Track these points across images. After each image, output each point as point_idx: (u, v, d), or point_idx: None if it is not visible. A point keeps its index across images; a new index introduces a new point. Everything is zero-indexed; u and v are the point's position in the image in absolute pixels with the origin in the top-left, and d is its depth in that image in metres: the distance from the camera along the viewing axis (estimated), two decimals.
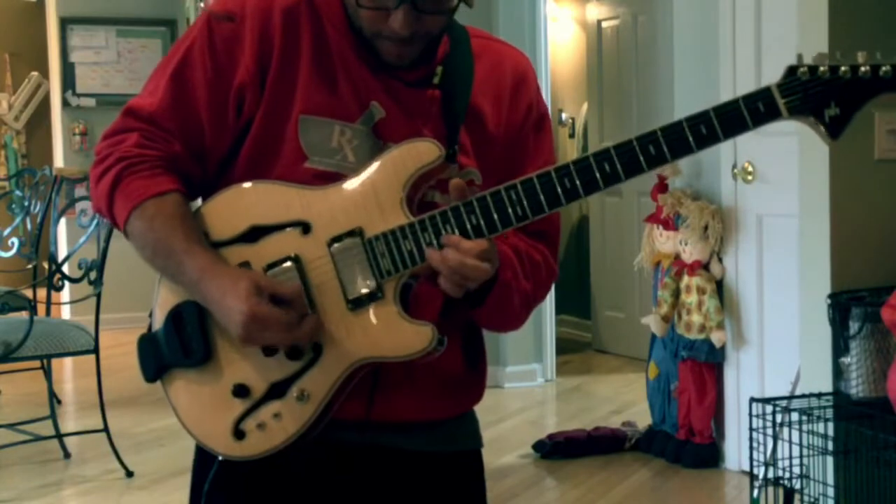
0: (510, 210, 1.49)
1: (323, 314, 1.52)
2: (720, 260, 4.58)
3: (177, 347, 1.56)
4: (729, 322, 4.56)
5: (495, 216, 1.50)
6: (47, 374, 5.11)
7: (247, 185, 1.56)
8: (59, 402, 5.69)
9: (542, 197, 1.49)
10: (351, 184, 1.54)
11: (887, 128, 3.58)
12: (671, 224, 4.67)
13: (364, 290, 1.51)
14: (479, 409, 1.79)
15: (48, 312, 5.19)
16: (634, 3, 6.89)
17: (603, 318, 7.34)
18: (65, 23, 8.26)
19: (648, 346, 4.95)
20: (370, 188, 1.52)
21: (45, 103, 9.47)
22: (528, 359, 6.18)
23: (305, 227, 1.53)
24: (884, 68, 1.46)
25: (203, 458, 1.65)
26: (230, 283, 1.49)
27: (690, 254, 4.59)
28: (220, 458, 1.60)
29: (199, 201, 1.63)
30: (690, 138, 1.47)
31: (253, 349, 1.54)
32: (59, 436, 4.88)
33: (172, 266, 1.55)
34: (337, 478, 1.64)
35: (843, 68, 1.45)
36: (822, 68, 1.45)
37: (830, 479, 3.45)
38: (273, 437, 1.54)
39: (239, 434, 1.55)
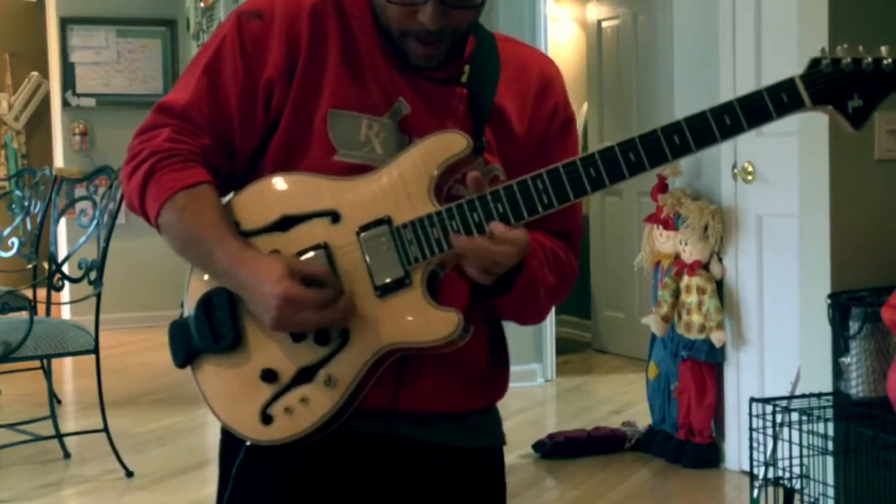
0: (536, 198, 1.52)
1: (351, 301, 1.55)
2: (720, 260, 4.58)
3: (207, 333, 1.60)
4: (729, 322, 4.56)
5: (521, 204, 1.52)
6: (47, 374, 5.12)
7: (277, 176, 1.60)
8: (59, 402, 5.69)
9: (567, 186, 1.52)
10: (380, 174, 1.57)
11: (887, 128, 3.58)
12: (671, 224, 4.67)
13: (392, 277, 1.55)
14: (500, 399, 1.79)
15: (48, 312, 5.19)
16: (634, 3, 6.89)
17: (603, 318, 7.34)
18: (65, 23, 8.26)
19: (648, 346, 4.95)
20: (398, 178, 1.56)
21: (45, 103, 9.48)
22: (528, 359, 6.18)
23: (335, 217, 1.56)
24: None
25: (230, 444, 1.67)
26: (262, 267, 1.52)
27: (690, 254, 4.59)
28: (247, 443, 1.62)
29: (229, 195, 1.65)
30: (715, 128, 1.51)
31: (282, 335, 1.56)
32: (59, 436, 4.88)
33: (204, 255, 1.58)
34: (360, 468, 1.66)
35: (866, 61, 1.47)
36: (845, 60, 1.47)
37: (830, 479, 3.45)
38: (300, 422, 1.57)
39: (266, 419, 1.58)
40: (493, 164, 1.66)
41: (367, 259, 1.55)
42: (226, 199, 1.64)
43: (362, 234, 1.55)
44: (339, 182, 1.58)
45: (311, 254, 1.56)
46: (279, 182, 1.60)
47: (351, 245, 1.56)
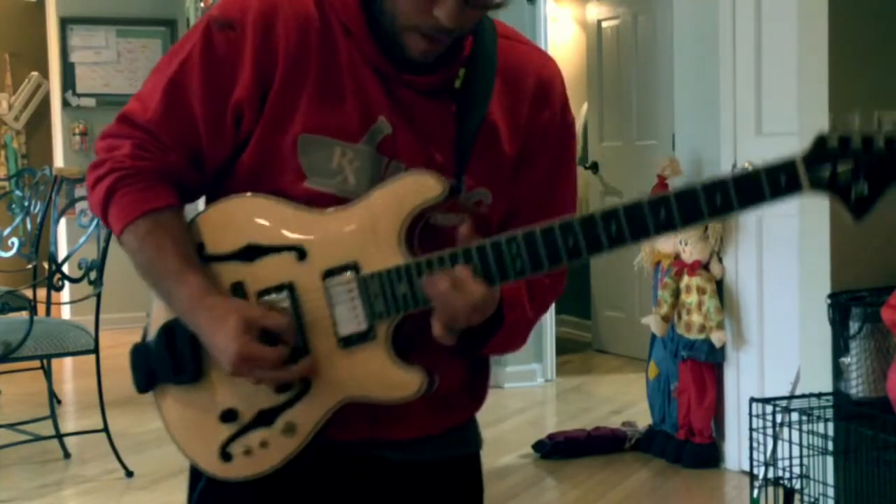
0: (509, 263, 1.42)
1: (313, 348, 1.49)
2: (720, 260, 4.58)
3: (168, 364, 1.54)
4: (729, 322, 4.56)
5: (493, 269, 1.43)
6: (47, 374, 5.11)
7: (247, 197, 1.52)
8: (59, 402, 5.69)
9: (542, 253, 1.42)
10: (351, 212, 1.49)
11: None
12: None
13: (356, 330, 1.48)
14: (480, 409, 1.78)
15: (48, 312, 5.19)
16: (634, 3, 6.89)
17: (603, 318, 7.34)
18: (65, 23, 8.26)
19: (648, 346, 4.95)
20: (369, 220, 1.48)
21: (45, 103, 9.47)
22: (528, 359, 6.18)
23: (301, 253, 1.49)
24: None
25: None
26: (219, 319, 1.46)
27: (690, 254, 4.59)
28: (206, 475, 1.58)
29: (201, 203, 1.61)
30: (704, 205, 1.37)
31: None
32: (59, 436, 4.88)
33: (163, 290, 1.52)
34: (332, 487, 1.62)
35: (878, 143, 1.32)
36: (854, 141, 1.32)
37: (830, 479, 3.45)
38: (259, 464, 1.54)
39: (226, 456, 1.54)
40: (477, 189, 1.56)
41: (332, 307, 1.48)
42: (200, 201, 1.59)
43: (327, 280, 1.48)
44: (309, 215, 1.49)
45: (276, 294, 1.49)
46: (249, 206, 1.52)
47: (316, 289, 1.48)
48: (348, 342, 1.48)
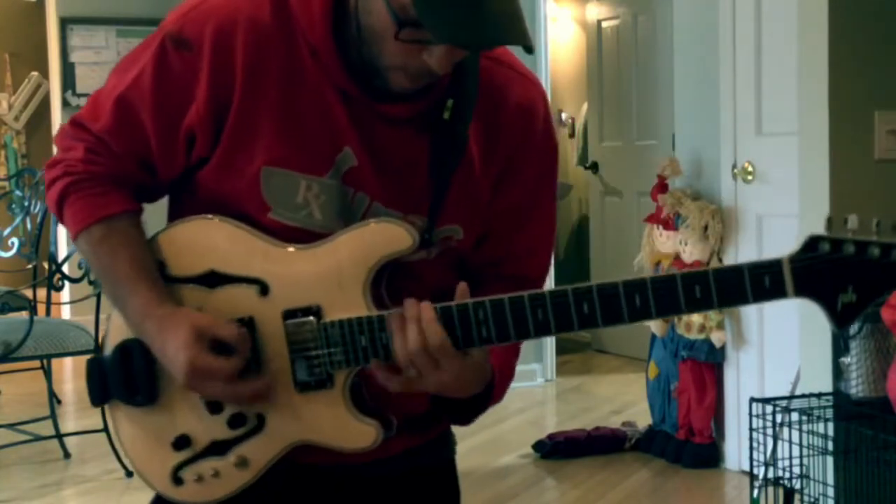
0: (474, 330, 1.37)
1: (271, 389, 1.46)
2: (720, 260, 4.57)
3: (122, 384, 1.52)
4: (729, 322, 4.56)
5: (458, 333, 1.38)
6: (47, 374, 5.11)
7: (213, 220, 1.48)
8: (59, 402, 5.68)
9: (510, 323, 1.36)
10: (317, 253, 1.44)
11: (887, 128, 3.58)
12: (671, 224, 4.67)
13: (313, 377, 1.45)
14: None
15: (48, 312, 5.19)
16: (634, 3, 6.89)
17: None
18: (65, 23, 8.26)
19: (648, 346, 4.95)
20: (334, 265, 1.43)
21: (45, 103, 9.47)
22: (528, 359, 6.18)
23: (263, 288, 1.45)
24: None
25: None
26: (171, 327, 1.43)
27: (690, 254, 4.58)
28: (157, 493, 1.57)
29: (163, 213, 1.58)
30: (682, 297, 1.33)
31: (198, 403, 1.49)
32: (59, 436, 4.88)
33: (116, 297, 1.50)
34: (295, 501, 1.59)
35: (871, 249, 1.23)
36: (847, 246, 1.24)
37: (830, 479, 3.45)
38: (211, 492, 1.51)
39: (177, 480, 1.52)
40: (447, 226, 1.50)
41: (290, 350, 1.45)
42: (158, 229, 1.54)
43: (288, 322, 1.44)
44: (275, 249, 1.45)
45: (233, 328, 1.45)
46: (214, 230, 1.47)
47: (276, 328, 1.45)
48: (305, 387, 1.45)
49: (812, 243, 1.26)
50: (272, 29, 1.44)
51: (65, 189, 1.50)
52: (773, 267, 1.27)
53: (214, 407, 1.49)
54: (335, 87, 1.45)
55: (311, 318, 1.43)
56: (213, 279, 1.47)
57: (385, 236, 1.42)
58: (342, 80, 1.45)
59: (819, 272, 1.25)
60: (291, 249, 1.46)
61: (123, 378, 1.51)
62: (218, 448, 1.49)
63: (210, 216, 1.48)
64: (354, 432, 1.45)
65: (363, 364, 1.43)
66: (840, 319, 1.26)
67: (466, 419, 1.54)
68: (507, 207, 1.55)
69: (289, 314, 1.45)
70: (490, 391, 1.49)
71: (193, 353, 1.41)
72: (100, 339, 1.60)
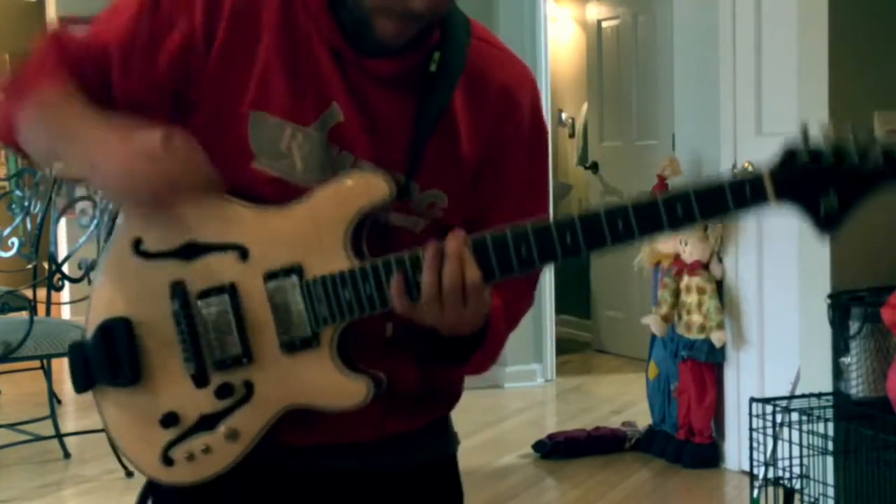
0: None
1: (256, 353, 1.44)
2: (720, 260, 4.58)
3: (105, 366, 1.49)
4: (729, 322, 4.56)
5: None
6: (47, 374, 5.12)
7: None
8: (59, 402, 5.68)
9: (493, 260, 1.36)
10: (294, 211, 1.42)
11: (887, 128, 3.58)
12: None
13: (298, 336, 1.43)
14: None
15: (48, 312, 5.19)
16: (634, 3, 6.89)
17: (603, 318, 7.34)
18: (65, 23, 8.26)
19: (648, 346, 4.95)
20: (313, 221, 1.42)
21: None
22: (528, 359, 6.18)
23: (243, 253, 1.43)
24: None
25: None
26: (136, 124, 1.38)
27: (690, 254, 4.59)
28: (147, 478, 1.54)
29: None
30: (664, 216, 1.31)
31: (184, 378, 1.46)
32: (59, 436, 4.88)
33: (65, 143, 1.43)
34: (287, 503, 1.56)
35: (850, 156, 1.25)
36: (826, 154, 1.25)
37: (830, 479, 3.46)
38: (202, 470, 1.48)
39: (167, 461, 1.49)
40: (431, 190, 1.49)
41: (274, 311, 1.42)
42: None
43: (269, 283, 1.42)
44: (252, 212, 1.43)
45: (215, 297, 1.43)
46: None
47: (258, 291, 1.42)
48: (291, 347, 1.43)
49: (790, 154, 1.28)
50: None
51: (12, 81, 1.49)
52: (753, 176, 1.28)
53: (201, 379, 1.46)
54: (326, 44, 1.45)
55: (293, 276, 1.42)
56: (192, 251, 1.45)
57: (362, 187, 1.41)
58: (332, 36, 1.45)
59: (799, 178, 1.27)
60: (269, 211, 1.44)
61: (106, 359, 1.49)
62: (207, 422, 1.46)
63: None
64: (344, 389, 1.43)
65: (349, 318, 1.41)
66: (824, 224, 1.27)
67: (462, 359, 1.50)
68: (498, 196, 1.53)
69: (270, 276, 1.42)
70: (487, 326, 1.45)
71: (165, 129, 1.36)
72: (84, 324, 1.55)
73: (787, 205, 1.28)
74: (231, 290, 1.43)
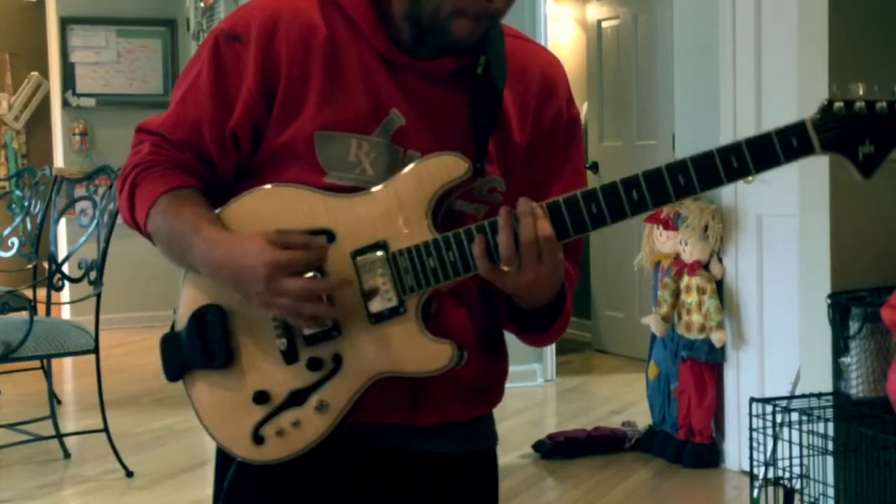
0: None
1: (345, 326, 1.53)
2: (720, 260, 4.58)
3: (199, 350, 1.58)
4: (729, 322, 4.56)
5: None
6: (47, 374, 5.11)
7: (268, 188, 1.56)
8: (59, 402, 5.69)
9: (567, 221, 1.48)
10: (376, 195, 1.54)
11: None
12: (671, 224, 4.67)
13: (386, 306, 1.52)
14: (498, 405, 1.78)
15: (48, 312, 5.19)
16: (634, 3, 6.89)
17: (603, 318, 7.34)
18: (65, 23, 8.26)
19: (648, 346, 4.95)
20: (395, 200, 1.53)
21: (45, 103, 9.48)
22: (528, 359, 6.18)
23: (329, 236, 1.53)
24: None
25: (224, 456, 1.65)
26: (240, 244, 1.50)
27: (690, 254, 4.59)
28: (238, 460, 1.61)
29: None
30: (721, 170, 1.47)
31: (274, 355, 1.55)
32: (59, 436, 4.88)
33: (185, 250, 1.55)
34: (355, 477, 1.65)
35: (879, 104, 1.42)
36: (858, 104, 1.42)
37: (830, 479, 3.46)
38: (292, 444, 1.56)
39: (258, 439, 1.57)
40: (491, 175, 1.61)
41: (362, 285, 1.52)
42: (217, 210, 1.61)
43: (358, 258, 1.52)
44: (334, 199, 1.54)
45: (307, 275, 1.51)
46: (272, 193, 1.56)
47: (346, 268, 1.52)
48: (379, 318, 1.52)
49: (828, 105, 1.43)
50: (312, 15, 1.59)
51: (135, 179, 1.60)
52: (798, 128, 1.43)
53: (291, 356, 1.54)
54: (378, 56, 1.58)
55: (380, 250, 1.52)
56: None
57: (441, 166, 1.52)
58: (384, 47, 1.57)
59: (839, 129, 1.42)
60: (351, 197, 1.54)
61: (200, 344, 1.57)
62: (297, 398, 1.55)
63: (266, 186, 1.56)
64: (431, 353, 1.52)
65: (434, 284, 1.51)
66: (864, 169, 1.43)
67: (543, 328, 1.63)
68: (543, 173, 1.65)
69: (357, 253, 1.52)
70: (563, 295, 1.59)
71: (271, 252, 1.46)
72: (174, 315, 1.64)
73: (831, 153, 1.44)
74: (320, 270, 1.50)
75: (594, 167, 7.29)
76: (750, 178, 1.52)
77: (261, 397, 1.56)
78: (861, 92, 1.44)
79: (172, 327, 1.62)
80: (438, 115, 1.59)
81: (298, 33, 1.57)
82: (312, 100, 1.56)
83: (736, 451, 4.54)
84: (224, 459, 1.66)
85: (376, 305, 1.52)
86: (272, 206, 1.55)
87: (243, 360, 1.57)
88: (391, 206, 1.53)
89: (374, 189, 1.54)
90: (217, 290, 1.57)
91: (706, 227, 4.53)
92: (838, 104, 1.43)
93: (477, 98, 1.60)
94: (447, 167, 1.52)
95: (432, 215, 1.52)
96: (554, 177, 1.66)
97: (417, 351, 1.52)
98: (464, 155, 1.52)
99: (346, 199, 1.54)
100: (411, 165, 1.53)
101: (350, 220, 1.53)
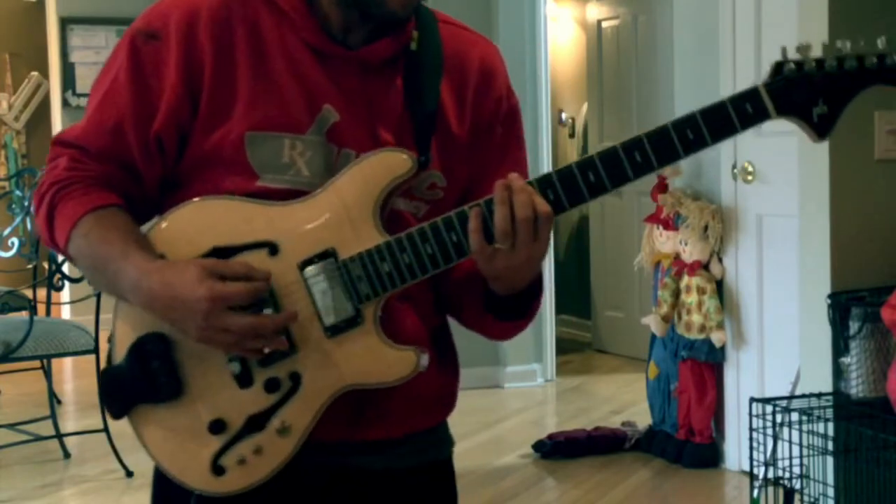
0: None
1: (300, 342, 1.44)
2: (720, 260, 4.58)
3: (143, 383, 1.46)
4: (729, 322, 4.56)
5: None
6: (47, 374, 5.11)
7: (203, 200, 1.47)
8: (59, 402, 5.69)
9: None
10: (317, 199, 1.45)
11: (887, 128, 3.58)
12: (671, 224, 4.67)
13: (342, 317, 1.44)
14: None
15: (48, 312, 5.19)
16: (634, 3, 6.89)
17: (603, 318, 7.34)
18: (65, 23, 8.26)
19: (648, 346, 4.95)
20: (339, 204, 1.44)
21: (45, 103, 9.47)
22: (528, 359, 6.18)
23: (272, 248, 1.44)
24: (870, 59, 1.41)
25: (166, 488, 1.55)
26: (176, 273, 1.39)
27: (690, 254, 4.59)
28: (196, 493, 1.51)
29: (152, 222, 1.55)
30: (678, 143, 1.43)
31: (227, 380, 1.45)
32: (59, 436, 4.88)
33: (112, 277, 1.44)
34: (318, 495, 1.57)
35: (829, 62, 1.41)
36: (808, 64, 1.41)
37: (830, 479, 3.45)
38: (255, 472, 1.47)
39: (218, 470, 1.47)
40: (430, 170, 1.53)
41: (314, 297, 1.43)
42: (148, 225, 1.52)
43: (306, 270, 1.43)
44: (273, 208, 1.45)
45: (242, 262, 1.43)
46: (206, 207, 1.46)
47: (294, 281, 1.43)
48: (336, 330, 1.44)
49: (778, 68, 1.42)
50: (234, 5, 1.50)
51: (52, 198, 1.49)
52: (751, 94, 1.41)
53: (245, 379, 1.45)
54: (308, 48, 1.49)
55: (329, 259, 1.44)
56: (219, 256, 1.44)
57: (384, 165, 1.44)
58: (314, 37, 1.49)
59: (791, 91, 1.41)
60: (291, 204, 1.45)
61: (144, 377, 1.46)
62: (256, 423, 1.46)
63: (195, 199, 1.47)
64: (393, 361, 1.45)
65: (390, 289, 1.44)
66: (819, 129, 1.42)
67: (522, 313, 1.55)
68: (483, 164, 1.58)
69: (304, 264, 1.44)
70: (540, 281, 1.52)
71: (209, 283, 1.36)
72: (110, 353, 1.51)
73: (785, 117, 1.42)
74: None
75: None
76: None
77: (217, 426, 1.46)
78: (808, 51, 1.42)
79: (109, 359, 1.50)
80: (374, 108, 1.51)
81: (221, 26, 1.48)
82: (240, 98, 1.47)
83: (736, 451, 4.54)
84: (165, 492, 1.56)
85: (331, 317, 1.44)
86: (206, 221, 1.45)
87: (193, 389, 1.46)
88: (336, 210, 1.44)
89: (315, 193, 1.45)
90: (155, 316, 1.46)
91: (706, 227, 4.53)
92: (789, 66, 1.41)
93: (414, 80, 1.52)
94: (391, 165, 1.44)
95: (380, 217, 1.44)
96: (495, 169, 1.55)
97: (379, 361, 1.45)
98: (405, 149, 1.46)
99: (285, 206, 1.45)
100: (353, 165, 1.45)
101: (293, 229, 1.44)
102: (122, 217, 1.48)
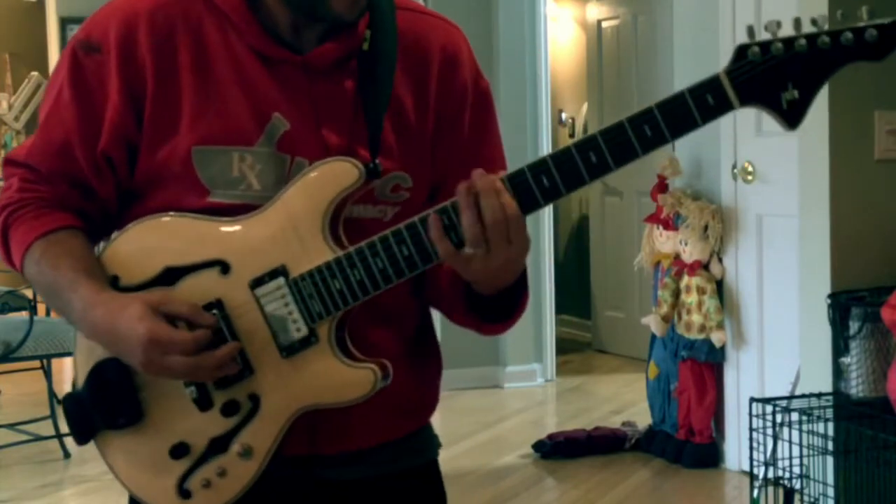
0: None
1: (256, 363, 1.41)
2: (720, 260, 4.58)
3: (103, 409, 1.45)
4: (729, 322, 4.56)
5: (428, 246, 1.35)
6: (47, 374, 5.12)
7: (150, 220, 1.43)
8: (59, 401, 5.68)
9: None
10: (266, 214, 1.40)
11: (887, 128, 3.58)
12: (671, 224, 4.67)
13: (296, 337, 1.40)
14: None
15: (48, 312, 5.19)
16: (634, 3, 6.89)
17: (603, 318, 7.34)
18: (65, 23, 8.26)
19: (648, 346, 4.95)
20: (288, 219, 1.39)
21: None
22: (528, 359, 6.18)
23: (224, 267, 1.40)
24: (846, 35, 1.26)
25: None
26: (119, 308, 1.37)
27: (690, 254, 4.59)
28: None
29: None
30: (635, 141, 1.29)
31: (187, 404, 1.43)
32: (59, 436, 4.88)
33: (63, 305, 1.42)
34: None
35: (798, 42, 1.26)
36: (775, 45, 1.26)
37: (830, 479, 3.45)
38: (221, 494, 1.45)
39: (184, 494, 1.45)
40: (393, 172, 1.46)
41: (267, 317, 1.40)
42: (101, 246, 1.49)
43: (257, 290, 1.39)
44: (224, 225, 1.41)
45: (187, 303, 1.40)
46: (156, 227, 1.43)
47: (246, 301, 1.40)
48: (291, 350, 1.40)
49: (742, 52, 1.27)
50: (175, 10, 1.44)
51: (5, 222, 1.47)
52: (712, 83, 1.27)
53: (204, 402, 1.43)
54: (254, 54, 1.43)
55: (279, 278, 1.39)
56: (171, 275, 1.42)
57: (331, 176, 1.38)
58: (260, 41, 1.43)
59: (756, 77, 1.26)
60: (241, 221, 1.41)
61: (103, 403, 1.45)
62: (218, 445, 1.43)
63: (144, 218, 1.44)
64: (351, 381, 1.40)
65: (343, 308, 1.39)
66: (789, 118, 1.27)
67: (508, 313, 1.48)
68: (453, 151, 1.52)
69: (255, 283, 1.40)
70: (525, 277, 1.45)
71: (150, 324, 1.34)
72: (74, 378, 1.51)
73: (751, 106, 1.28)
74: (218, 306, 1.40)
75: None
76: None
77: (179, 450, 1.44)
78: (776, 30, 1.28)
79: (74, 384, 1.49)
80: (325, 114, 1.44)
81: (161, 36, 1.42)
82: (185, 112, 1.42)
83: (736, 451, 4.54)
84: None
85: (285, 337, 1.40)
86: (158, 241, 1.43)
87: (154, 414, 1.44)
88: (284, 225, 1.39)
89: (265, 207, 1.40)
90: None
91: (706, 227, 4.53)
92: (753, 49, 1.26)
93: (365, 82, 1.45)
94: (337, 175, 1.38)
95: (330, 231, 1.39)
96: (468, 159, 1.47)
97: (336, 380, 1.40)
98: (355, 158, 1.40)
99: (236, 222, 1.41)
100: (300, 177, 1.40)
101: (243, 247, 1.40)
102: (74, 241, 1.45)
